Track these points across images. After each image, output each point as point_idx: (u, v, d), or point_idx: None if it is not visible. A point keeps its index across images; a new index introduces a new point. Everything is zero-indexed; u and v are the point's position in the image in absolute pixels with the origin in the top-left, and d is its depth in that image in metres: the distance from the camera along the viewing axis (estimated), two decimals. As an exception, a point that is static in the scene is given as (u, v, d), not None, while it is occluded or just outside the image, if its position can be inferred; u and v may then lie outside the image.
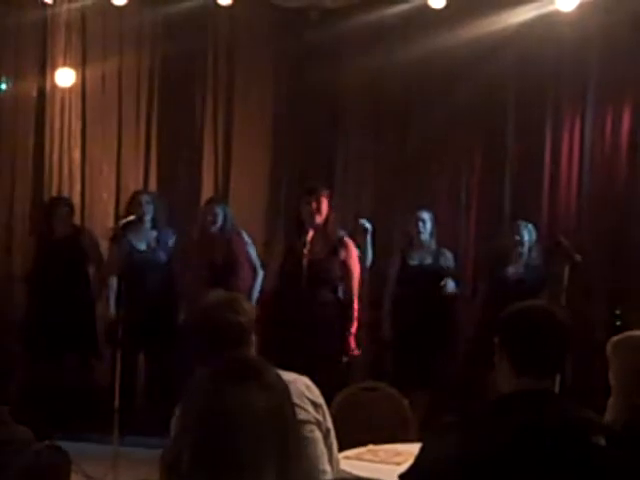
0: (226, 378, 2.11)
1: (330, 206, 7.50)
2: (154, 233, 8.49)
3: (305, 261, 7.13)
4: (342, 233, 7.56)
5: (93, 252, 8.67)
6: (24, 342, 8.37)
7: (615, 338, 4.00)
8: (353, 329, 7.43)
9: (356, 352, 7.49)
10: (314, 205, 7.34)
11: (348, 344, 7.41)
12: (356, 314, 7.48)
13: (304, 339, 7.04)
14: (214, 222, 8.29)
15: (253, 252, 8.43)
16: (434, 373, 8.11)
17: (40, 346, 8.34)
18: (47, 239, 8.59)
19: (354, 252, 7.50)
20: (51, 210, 8.65)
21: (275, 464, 2.05)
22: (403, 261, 8.24)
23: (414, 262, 8.22)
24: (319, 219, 7.37)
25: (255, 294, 8.22)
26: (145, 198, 8.46)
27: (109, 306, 8.23)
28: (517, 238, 8.02)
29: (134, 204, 8.37)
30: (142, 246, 8.44)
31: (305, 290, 7.22)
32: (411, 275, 8.17)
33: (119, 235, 7.73)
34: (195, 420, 2.09)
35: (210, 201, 8.61)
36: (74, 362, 8.66)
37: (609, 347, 4.00)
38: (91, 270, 8.70)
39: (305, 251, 7.12)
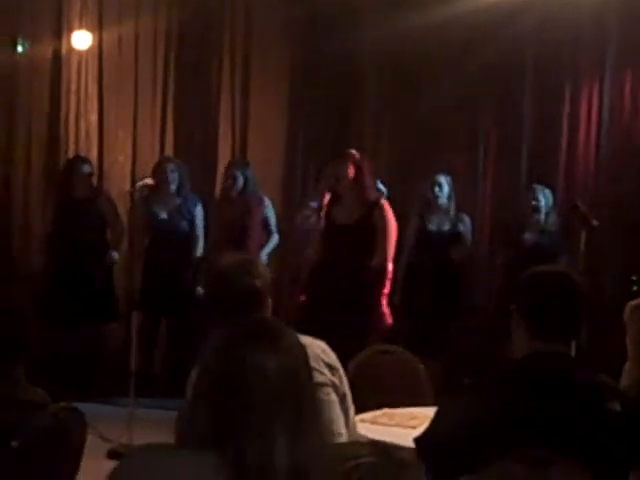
0: (241, 341, 2.13)
1: (364, 170, 7.46)
2: (178, 201, 8.51)
3: (338, 225, 7.15)
4: (377, 195, 7.52)
5: (111, 216, 8.68)
6: (41, 306, 8.40)
7: (632, 302, 4.00)
8: (384, 294, 7.43)
9: (389, 321, 7.48)
10: (343, 166, 7.33)
11: (381, 311, 7.41)
12: (390, 276, 7.46)
13: (331, 303, 7.08)
14: (234, 185, 8.31)
15: (272, 216, 8.45)
16: (448, 341, 8.10)
17: (57, 311, 8.34)
18: (67, 199, 8.59)
19: (389, 214, 7.46)
20: (72, 169, 8.63)
21: (288, 426, 2.06)
22: (421, 225, 8.20)
23: (432, 227, 8.16)
24: (347, 181, 7.35)
25: (264, 255, 8.24)
26: (170, 167, 8.49)
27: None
28: (534, 203, 7.97)
29: (159, 171, 8.41)
30: (163, 214, 8.47)
31: (339, 255, 7.24)
32: (429, 240, 8.13)
33: (138, 199, 7.77)
34: (210, 383, 2.11)
35: (230, 165, 8.64)
36: (91, 328, 8.67)
37: (626, 312, 4.00)
38: (109, 234, 8.70)
39: (332, 217, 7.15)
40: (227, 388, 2.07)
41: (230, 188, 8.36)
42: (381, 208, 7.46)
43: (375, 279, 7.48)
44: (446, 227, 8.17)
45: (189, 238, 8.52)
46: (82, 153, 9.21)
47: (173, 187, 8.44)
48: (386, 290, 7.48)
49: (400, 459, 2.50)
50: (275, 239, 8.43)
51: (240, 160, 8.94)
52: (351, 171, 7.43)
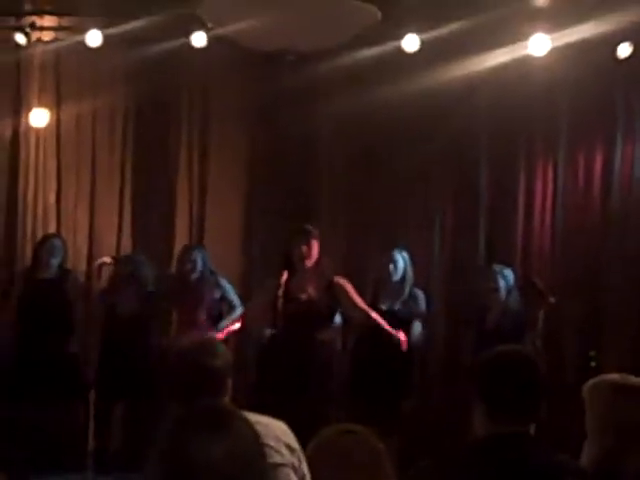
0: (188, 429, 2.12)
1: (320, 247, 7.48)
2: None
3: (297, 303, 7.15)
4: (333, 276, 7.50)
5: (76, 296, 8.61)
6: (5, 383, 8.31)
7: (591, 381, 4.00)
8: (400, 334, 7.41)
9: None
10: (305, 247, 7.32)
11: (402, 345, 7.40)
12: (383, 321, 7.46)
13: (297, 381, 7.04)
14: (194, 269, 8.31)
15: (231, 292, 8.45)
16: (402, 420, 8.05)
17: (22, 390, 8.23)
18: (34, 278, 8.52)
19: (349, 287, 7.43)
20: (41, 247, 8.57)
21: None
22: (373, 303, 8.17)
23: (383, 307, 8.11)
24: (310, 261, 7.34)
25: (224, 324, 8.29)
26: (138, 259, 8.55)
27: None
28: (492, 285, 8.00)
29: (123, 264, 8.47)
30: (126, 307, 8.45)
31: (299, 331, 7.22)
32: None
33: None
34: (158, 472, 2.11)
35: (187, 248, 8.64)
36: (57, 407, 8.54)
37: (585, 390, 4.00)
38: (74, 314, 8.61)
39: (291, 295, 7.15)
40: (178, 477, 2.06)
41: (190, 272, 8.35)
42: (339, 282, 7.44)
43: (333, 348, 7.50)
44: (397, 307, 8.15)
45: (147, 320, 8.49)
46: (39, 232, 9.16)
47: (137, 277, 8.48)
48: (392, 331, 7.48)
49: None
50: (238, 310, 8.42)
51: (198, 245, 8.94)
52: (314, 249, 7.42)
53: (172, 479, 2.06)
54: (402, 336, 7.45)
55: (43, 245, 8.58)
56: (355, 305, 7.37)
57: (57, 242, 8.64)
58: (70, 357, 8.45)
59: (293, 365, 7.15)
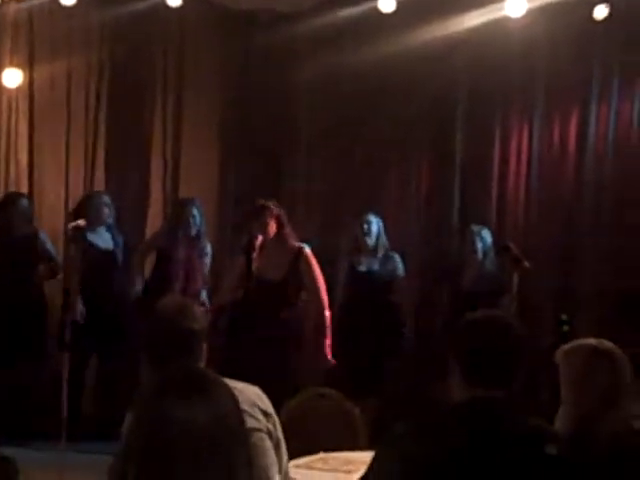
0: (169, 393, 2.14)
1: (281, 220, 7.43)
2: (109, 235, 8.43)
3: (259, 279, 7.12)
4: (299, 244, 7.48)
5: (47, 254, 8.53)
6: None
7: (566, 346, 4.00)
8: (327, 340, 7.36)
9: (333, 362, 7.42)
10: (261, 224, 7.29)
11: (324, 355, 7.35)
12: (329, 323, 7.41)
13: (258, 357, 7.01)
14: (193, 224, 8.20)
15: (208, 261, 8.39)
16: (384, 380, 8.09)
17: None
18: (3, 237, 8.42)
19: (313, 262, 7.42)
20: (10, 205, 8.47)
21: (220, 476, 2.07)
22: (351, 267, 8.21)
23: (362, 268, 8.19)
24: (268, 236, 7.31)
25: (203, 296, 8.23)
26: (105, 200, 8.41)
27: (77, 308, 8.11)
28: (470, 246, 8.04)
29: (90, 206, 8.31)
30: (102, 245, 8.37)
31: (262, 308, 7.20)
32: (359, 281, 8.15)
33: (77, 236, 7.65)
34: (138, 438, 2.12)
35: (187, 202, 8.42)
36: (24, 369, 8.49)
37: (559, 356, 4.00)
38: (42, 271, 8.53)
39: (257, 270, 7.11)
40: (155, 443, 2.08)
41: (190, 226, 8.21)
42: (305, 257, 7.42)
43: (312, 329, 7.49)
44: (375, 267, 8.18)
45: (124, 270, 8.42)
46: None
47: (109, 221, 8.39)
48: (328, 340, 7.40)
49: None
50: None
51: (194, 199, 8.73)
52: (272, 226, 7.38)
53: (154, 443, 2.08)
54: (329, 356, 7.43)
55: (11, 204, 8.47)
56: (316, 287, 7.34)
57: (24, 201, 8.55)
58: (38, 310, 8.39)
59: (259, 345, 7.14)
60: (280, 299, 7.35)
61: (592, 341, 3.96)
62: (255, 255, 7.13)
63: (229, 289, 7.57)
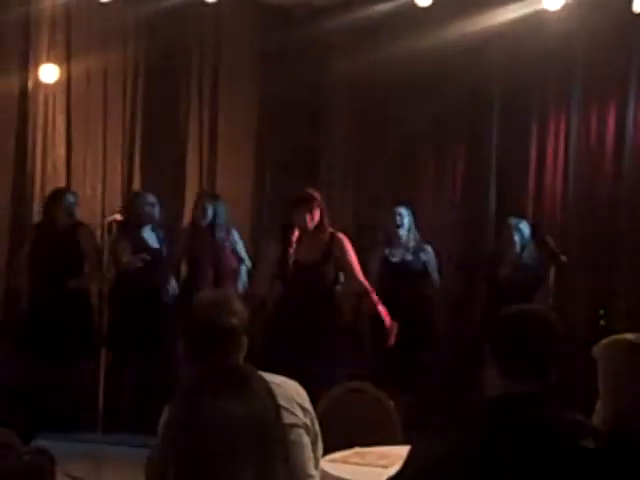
0: (206, 388, 2.14)
1: (322, 210, 7.43)
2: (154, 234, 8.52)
3: (291, 262, 7.10)
4: (332, 230, 7.48)
5: (89, 249, 8.54)
6: (14, 341, 8.32)
7: (605, 340, 3.97)
8: (384, 313, 7.31)
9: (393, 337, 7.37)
10: (307, 215, 7.27)
11: (386, 330, 7.28)
12: (376, 297, 7.36)
13: (300, 346, 7.00)
14: (203, 216, 8.28)
15: (241, 246, 8.46)
16: (416, 374, 8.08)
17: (31, 346, 8.25)
18: (47, 232, 8.46)
19: (349, 246, 7.40)
20: (54, 201, 8.51)
21: (257, 472, 2.08)
22: (383, 258, 8.22)
23: (395, 259, 8.22)
24: (311, 226, 7.31)
25: (240, 286, 8.34)
26: (150, 199, 8.49)
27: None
28: (507, 239, 8.02)
29: (136, 205, 8.42)
30: (153, 243, 8.46)
31: (299, 297, 7.19)
32: (392, 272, 8.15)
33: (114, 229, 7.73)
34: (176, 433, 2.13)
35: (200, 196, 8.63)
36: (66, 363, 8.54)
37: (596, 351, 3.97)
38: (86, 267, 8.56)
39: (291, 251, 7.09)
40: (192, 437, 2.09)
41: (200, 218, 8.33)
42: (339, 241, 7.42)
43: (339, 308, 7.48)
44: (409, 257, 8.20)
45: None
46: (49, 187, 9.13)
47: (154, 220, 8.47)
48: (380, 307, 7.33)
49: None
50: (244, 268, 8.44)
51: (210, 192, 8.92)
52: (315, 215, 7.38)
53: (190, 438, 2.09)
54: (387, 320, 7.35)
55: (56, 199, 8.53)
56: (351, 269, 7.32)
57: (70, 196, 8.59)
58: (83, 305, 8.44)
59: (300, 333, 7.13)
60: (317, 281, 7.31)
61: (630, 336, 3.93)
62: (294, 245, 7.12)
63: (264, 280, 7.53)
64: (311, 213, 7.24)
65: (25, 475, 3.61)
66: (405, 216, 8.24)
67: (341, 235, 7.38)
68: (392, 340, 7.12)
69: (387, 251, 8.25)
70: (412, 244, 8.25)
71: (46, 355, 8.20)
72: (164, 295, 8.34)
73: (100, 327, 7.64)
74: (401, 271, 8.15)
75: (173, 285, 8.38)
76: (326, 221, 7.39)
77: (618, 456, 3.06)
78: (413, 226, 8.29)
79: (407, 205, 8.33)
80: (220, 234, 8.35)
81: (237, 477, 2.06)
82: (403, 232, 8.23)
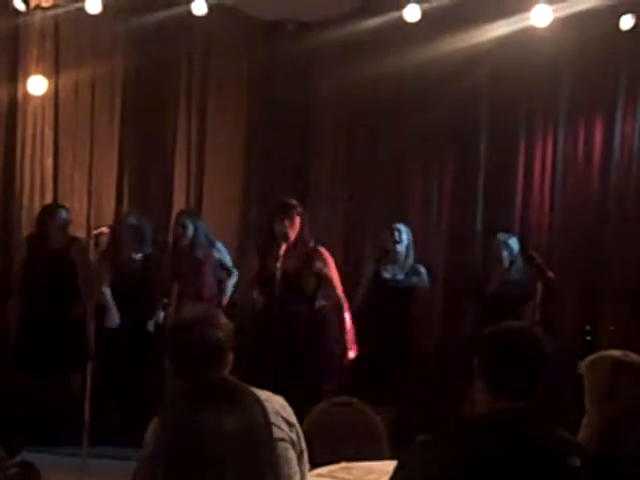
0: (198, 401, 2.13)
1: (303, 220, 7.46)
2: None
3: (278, 275, 7.10)
4: (314, 243, 7.52)
5: (84, 266, 8.49)
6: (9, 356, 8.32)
7: (591, 357, 3.99)
8: (349, 334, 7.35)
9: (352, 353, 7.41)
10: (287, 222, 7.30)
11: (345, 349, 7.33)
12: (349, 317, 7.40)
13: (279, 352, 7.01)
14: (184, 234, 8.27)
15: (227, 257, 8.44)
16: (401, 388, 8.07)
17: (25, 362, 8.27)
18: (40, 248, 8.47)
19: (330, 260, 7.45)
20: (47, 217, 8.52)
21: None
22: (376, 272, 8.21)
23: (387, 275, 8.19)
24: (292, 235, 7.33)
25: (228, 293, 8.34)
26: (132, 220, 8.48)
27: (111, 315, 8.26)
28: (495, 254, 8.03)
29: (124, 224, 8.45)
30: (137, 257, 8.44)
31: (279, 304, 7.19)
32: (382, 288, 8.15)
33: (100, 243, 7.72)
34: (167, 444, 2.13)
35: (180, 214, 8.61)
36: (60, 379, 8.53)
37: (584, 366, 3.99)
38: (80, 282, 8.54)
39: (278, 264, 7.09)
40: (183, 450, 2.08)
41: (180, 236, 8.32)
42: (320, 255, 7.45)
43: (323, 321, 7.49)
44: (400, 276, 8.18)
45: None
46: (36, 199, 9.15)
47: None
48: (348, 325, 7.41)
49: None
50: (234, 277, 8.44)
51: (190, 209, 8.92)
52: (296, 223, 7.41)
53: (183, 451, 2.07)
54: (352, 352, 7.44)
55: (50, 215, 8.51)
56: (331, 283, 7.36)
57: (64, 212, 8.58)
58: (74, 323, 8.39)
59: (280, 344, 7.14)
60: (298, 291, 7.33)
61: (616, 352, 3.95)
62: (280, 259, 7.13)
63: (245, 289, 7.58)
64: (291, 221, 7.28)
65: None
66: (404, 232, 8.21)
67: (323, 249, 7.42)
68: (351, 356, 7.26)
69: (381, 266, 8.22)
70: (409, 262, 8.21)
71: (33, 368, 8.21)
72: (149, 326, 8.33)
73: (87, 340, 7.62)
74: (390, 287, 8.13)
75: (160, 316, 8.37)
76: (307, 232, 7.43)
77: (603, 473, 3.07)
78: (412, 244, 8.26)
79: (405, 223, 8.32)
80: (199, 252, 8.33)
81: None
82: (401, 248, 8.18)
